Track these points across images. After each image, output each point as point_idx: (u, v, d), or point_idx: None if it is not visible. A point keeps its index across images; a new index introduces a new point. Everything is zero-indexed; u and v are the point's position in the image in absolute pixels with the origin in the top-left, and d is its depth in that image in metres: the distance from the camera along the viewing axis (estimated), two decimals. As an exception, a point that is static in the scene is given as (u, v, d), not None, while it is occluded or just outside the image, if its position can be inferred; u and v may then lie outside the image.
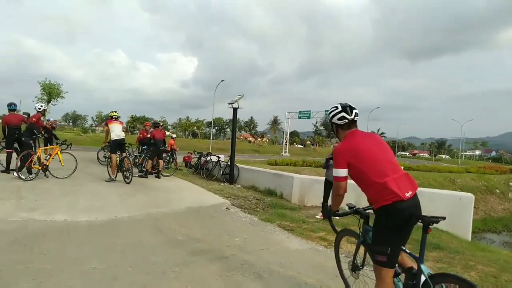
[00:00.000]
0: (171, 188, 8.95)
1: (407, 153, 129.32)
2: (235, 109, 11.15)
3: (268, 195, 9.68)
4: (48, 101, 39.43)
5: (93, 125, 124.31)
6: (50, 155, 9.13)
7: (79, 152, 24.43)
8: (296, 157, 49.28)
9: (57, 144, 9.34)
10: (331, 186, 7.77)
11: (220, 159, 12.33)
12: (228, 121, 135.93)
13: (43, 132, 9.81)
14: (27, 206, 5.77)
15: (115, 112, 9.53)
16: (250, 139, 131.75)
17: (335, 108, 2.86)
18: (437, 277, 2.36)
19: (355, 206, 3.12)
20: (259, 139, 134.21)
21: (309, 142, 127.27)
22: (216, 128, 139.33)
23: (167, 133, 13.85)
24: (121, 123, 9.55)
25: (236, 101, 10.94)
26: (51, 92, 39.31)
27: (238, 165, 11.50)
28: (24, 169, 8.50)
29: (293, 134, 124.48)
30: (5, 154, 9.21)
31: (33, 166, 8.54)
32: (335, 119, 2.84)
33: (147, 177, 10.38)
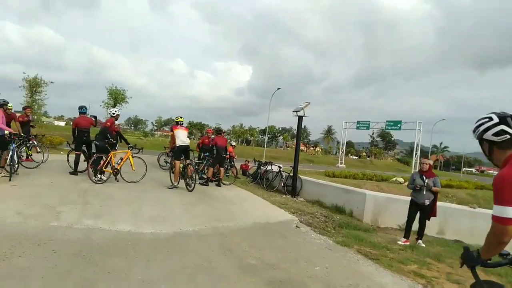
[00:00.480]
0: (233, 198, 8.49)
1: (473, 170, 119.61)
2: (300, 117, 10.50)
3: (336, 212, 8.89)
4: (114, 106, 41.54)
5: (153, 129, 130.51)
6: (122, 159, 9.14)
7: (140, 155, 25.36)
8: (352, 169, 47.40)
9: (128, 148, 9.33)
10: (418, 210, 6.88)
11: (281, 169, 11.71)
12: (280, 129, 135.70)
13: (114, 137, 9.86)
14: (93, 212, 5.56)
15: (181, 117, 9.32)
16: (303, 148, 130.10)
17: (487, 119, 2.07)
18: None
19: (509, 254, 2.30)
20: (311, 148, 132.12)
21: (365, 154, 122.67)
22: (269, 136, 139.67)
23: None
24: (186, 129, 9.33)
25: (302, 108, 10.30)
26: (116, 97, 41.40)
27: (301, 176, 10.80)
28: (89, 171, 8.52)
29: (348, 145, 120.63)
30: (74, 156, 9.36)
31: (104, 169, 8.59)
32: (488, 135, 2.05)
33: (207, 185, 10.07)
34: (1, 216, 4.82)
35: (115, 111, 9.52)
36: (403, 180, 25.70)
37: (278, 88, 42.87)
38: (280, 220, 6.68)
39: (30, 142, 10.71)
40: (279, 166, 11.99)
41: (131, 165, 9.04)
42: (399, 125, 40.67)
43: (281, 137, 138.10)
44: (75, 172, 9.27)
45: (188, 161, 8.96)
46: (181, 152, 8.82)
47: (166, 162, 15.09)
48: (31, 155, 10.54)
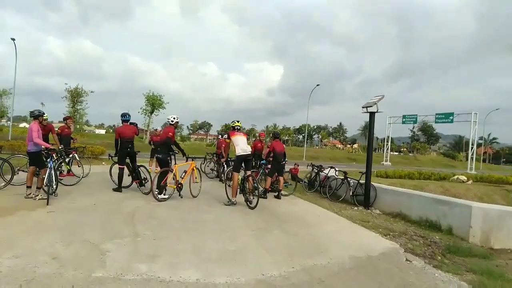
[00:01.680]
0: (306, 217, 7.06)
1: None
2: (372, 114, 8.89)
3: (429, 228, 7.22)
4: (152, 112, 41.56)
5: (189, 133, 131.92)
6: (185, 172, 8.21)
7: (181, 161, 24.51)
8: (398, 166, 44.60)
9: (187, 159, 8.42)
10: None
11: (346, 175, 10.13)
12: (315, 127, 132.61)
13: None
14: (146, 250, 4.31)
15: (237, 121, 8.01)
16: (339, 146, 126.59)
17: None
18: None
19: None
20: (348, 145, 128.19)
21: (406, 149, 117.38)
22: (303, 135, 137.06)
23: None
24: (245, 134, 8.02)
25: (375, 103, 8.68)
26: (154, 103, 41.37)
27: (375, 184, 9.16)
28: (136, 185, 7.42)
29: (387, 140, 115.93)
30: (117, 170, 8.31)
31: (169, 185, 7.71)
32: None
33: (266, 197, 8.73)
34: (31, 262, 3.66)
35: (174, 118, 8.40)
36: (465, 179, 23.21)
37: (317, 85, 41.18)
38: (381, 250, 5.14)
39: (71, 156, 9.84)
40: (344, 172, 10.35)
41: (196, 177, 8.44)
42: (451, 118, 37.51)
43: (316, 136, 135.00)
44: (119, 188, 8.22)
45: (248, 173, 7.63)
46: (241, 162, 7.51)
47: (212, 170, 13.96)
48: (71, 170, 9.65)
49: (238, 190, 7.57)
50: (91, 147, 16.93)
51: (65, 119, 10.47)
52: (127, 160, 8.44)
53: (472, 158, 37.72)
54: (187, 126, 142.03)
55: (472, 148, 37.92)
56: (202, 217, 6.24)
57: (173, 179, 7.84)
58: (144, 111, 41.47)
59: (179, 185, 7.92)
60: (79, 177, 9.15)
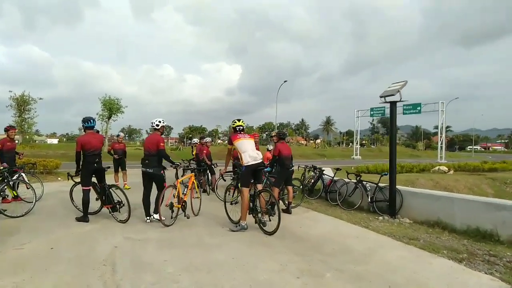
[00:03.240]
0: (345, 240, 5.40)
1: (478, 147, 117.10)
2: (393, 104, 7.47)
3: (483, 239, 5.87)
4: (109, 117, 38.36)
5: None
6: (187, 186, 6.67)
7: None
8: (367, 159, 44.55)
9: (185, 169, 7.56)
10: None
11: (360, 177, 8.65)
12: (278, 124, 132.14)
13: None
14: None
15: (238, 120, 6.19)
16: (303, 142, 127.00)
17: None
18: None
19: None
20: (311, 141, 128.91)
21: (367, 141, 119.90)
22: (267, 133, 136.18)
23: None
24: (253, 136, 6.25)
25: (398, 90, 7.24)
26: (111, 107, 38.17)
27: (400, 187, 7.73)
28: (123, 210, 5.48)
29: (348, 134, 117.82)
30: (81, 194, 6.28)
31: (175, 205, 6.25)
32: None
33: (290, 213, 7.21)
34: None
35: (160, 122, 6.57)
36: (446, 169, 22.78)
37: (285, 81, 40.07)
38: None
39: (16, 176, 7.60)
40: (357, 175, 8.76)
41: (197, 192, 7.34)
42: (418, 108, 37.46)
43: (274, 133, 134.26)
44: (85, 217, 6.20)
45: (260, 187, 5.90)
46: (251, 174, 5.77)
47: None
48: (18, 195, 7.41)
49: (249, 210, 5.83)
50: (43, 160, 14.30)
51: (6, 129, 8.14)
52: (94, 179, 6.44)
53: (441, 147, 38.19)
54: (146, 131, 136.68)
55: (441, 137, 38.38)
56: (212, 258, 4.42)
57: (174, 196, 6.33)
58: (101, 116, 38.12)
59: (183, 204, 6.40)
60: (31, 203, 6.94)
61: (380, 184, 8.12)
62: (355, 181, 8.65)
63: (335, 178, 9.61)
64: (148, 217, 6.38)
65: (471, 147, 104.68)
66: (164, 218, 6.07)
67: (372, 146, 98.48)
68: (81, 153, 6.22)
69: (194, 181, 7.11)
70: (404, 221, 7.24)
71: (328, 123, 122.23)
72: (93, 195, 6.45)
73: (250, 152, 5.76)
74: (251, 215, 5.86)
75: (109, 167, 6.65)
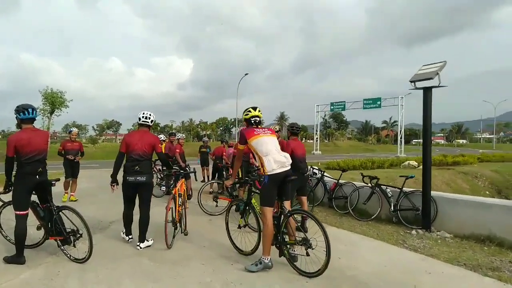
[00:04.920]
0: (415, 278, 3.81)
1: (420, 141, 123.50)
2: (427, 90, 6.04)
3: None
4: (52, 112, 34.17)
5: (96, 134, 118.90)
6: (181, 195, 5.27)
7: (99, 171, 19.27)
8: (326, 154, 44.26)
9: (176, 174, 5.96)
10: None
11: (377, 180, 7.19)
12: (232, 120, 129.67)
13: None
14: None
15: (254, 109, 4.32)
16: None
17: None
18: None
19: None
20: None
21: (320, 137, 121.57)
22: (221, 128, 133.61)
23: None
24: (274, 131, 4.41)
25: (436, 73, 5.78)
26: (54, 101, 33.95)
27: (434, 194, 6.32)
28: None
29: (301, 129, 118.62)
30: (13, 221, 4.13)
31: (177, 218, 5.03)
32: None
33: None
34: None
35: (151, 115, 5.07)
36: (416, 164, 22.41)
37: (246, 74, 38.30)
38: None
39: None
40: (374, 178, 7.25)
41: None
42: (378, 103, 37.70)
43: (234, 129, 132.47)
44: (18, 257, 4.08)
45: (287, 205, 4.13)
46: (275, 186, 4.00)
47: (160, 186, 9.94)
48: None
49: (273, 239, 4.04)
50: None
51: None
52: (35, 196, 4.32)
53: (401, 141, 38.65)
54: (93, 127, 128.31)
55: (400, 131, 38.83)
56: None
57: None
58: (42, 111, 33.78)
59: (179, 217, 5.13)
60: None
61: (405, 189, 6.71)
62: (371, 185, 7.18)
63: (340, 181, 8.09)
64: (128, 236, 5.03)
65: (415, 140, 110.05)
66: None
67: (325, 141, 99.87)
68: (14, 159, 4.09)
69: (185, 188, 5.57)
70: (442, 235, 5.86)
71: (282, 118, 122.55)
72: (32, 217, 4.33)
73: (274, 154, 3.98)
74: (272, 245, 4.08)
75: (57, 180, 4.53)
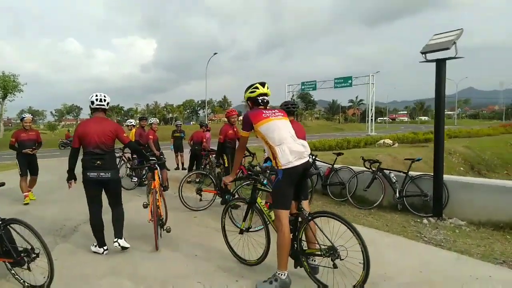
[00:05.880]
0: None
1: (386, 118, 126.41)
2: (441, 62, 5.34)
3: None
4: (4, 97, 31.39)
5: (55, 120, 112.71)
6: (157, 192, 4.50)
7: (60, 160, 17.62)
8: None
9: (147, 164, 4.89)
10: None
11: (379, 164, 6.54)
12: (200, 102, 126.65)
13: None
14: None
15: (265, 86, 3.41)
16: (225, 119, 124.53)
17: None
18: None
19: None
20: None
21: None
22: (188, 111, 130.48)
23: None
24: (285, 113, 3.51)
25: (453, 42, 5.07)
26: (6, 85, 31.13)
27: (446, 177, 5.71)
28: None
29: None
30: None
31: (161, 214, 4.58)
32: None
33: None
34: None
35: (106, 97, 4.33)
36: (391, 142, 22.37)
37: (215, 53, 36.86)
38: None
39: None
40: (376, 162, 6.56)
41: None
42: (349, 81, 37.38)
43: (201, 111, 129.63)
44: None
45: (306, 206, 3.32)
46: (292, 182, 3.15)
47: (132, 177, 8.87)
48: None
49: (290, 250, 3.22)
50: None
51: None
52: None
53: (372, 119, 38.86)
54: (51, 112, 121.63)
55: (371, 110, 38.97)
56: None
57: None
58: (-8, 97, 30.96)
59: (162, 219, 4.58)
60: None
61: (410, 173, 6.10)
62: (372, 169, 6.52)
63: (335, 166, 7.40)
64: (103, 248, 4.13)
65: (380, 118, 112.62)
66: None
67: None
68: None
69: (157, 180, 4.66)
70: (456, 223, 5.32)
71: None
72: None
73: (290, 143, 3.14)
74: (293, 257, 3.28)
75: (2, 185, 3.48)
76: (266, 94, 3.42)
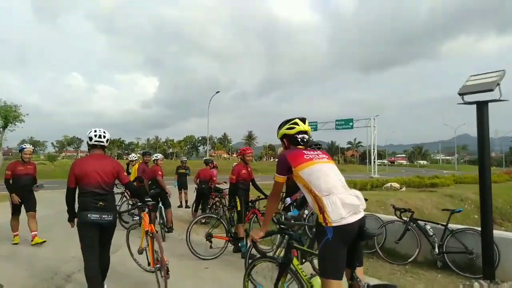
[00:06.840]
0: None
1: (384, 161, 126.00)
2: (483, 104, 4.81)
3: None
4: (4, 127, 31.00)
5: (55, 151, 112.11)
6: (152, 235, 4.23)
7: (58, 193, 16.64)
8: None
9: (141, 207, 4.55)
10: None
11: (413, 215, 5.83)
12: (200, 138, 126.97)
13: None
14: None
15: (305, 122, 2.90)
16: (225, 155, 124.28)
17: None
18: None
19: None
20: (234, 155, 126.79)
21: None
22: (189, 146, 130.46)
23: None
24: (328, 156, 2.81)
25: (497, 83, 4.56)
26: (7, 115, 30.84)
27: (497, 233, 4.98)
28: None
29: (270, 148, 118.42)
30: None
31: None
32: None
33: None
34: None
35: (106, 134, 4.07)
36: (398, 186, 21.66)
37: (217, 92, 37.14)
38: None
39: None
40: (408, 211, 5.85)
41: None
42: (351, 124, 37.36)
43: (201, 147, 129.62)
44: None
45: (360, 273, 2.62)
46: (345, 244, 2.48)
47: (132, 216, 8.11)
48: None
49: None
50: None
51: None
52: None
53: (374, 162, 38.37)
54: (52, 143, 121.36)
55: (374, 152, 38.59)
56: None
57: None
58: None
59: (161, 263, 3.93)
60: None
61: (450, 226, 5.40)
62: (403, 219, 5.82)
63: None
64: None
65: (379, 161, 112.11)
66: None
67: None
68: None
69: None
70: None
71: (250, 137, 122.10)
72: None
73: (341, 193, 2.50)
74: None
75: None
76: (306, 132, 2.87)
